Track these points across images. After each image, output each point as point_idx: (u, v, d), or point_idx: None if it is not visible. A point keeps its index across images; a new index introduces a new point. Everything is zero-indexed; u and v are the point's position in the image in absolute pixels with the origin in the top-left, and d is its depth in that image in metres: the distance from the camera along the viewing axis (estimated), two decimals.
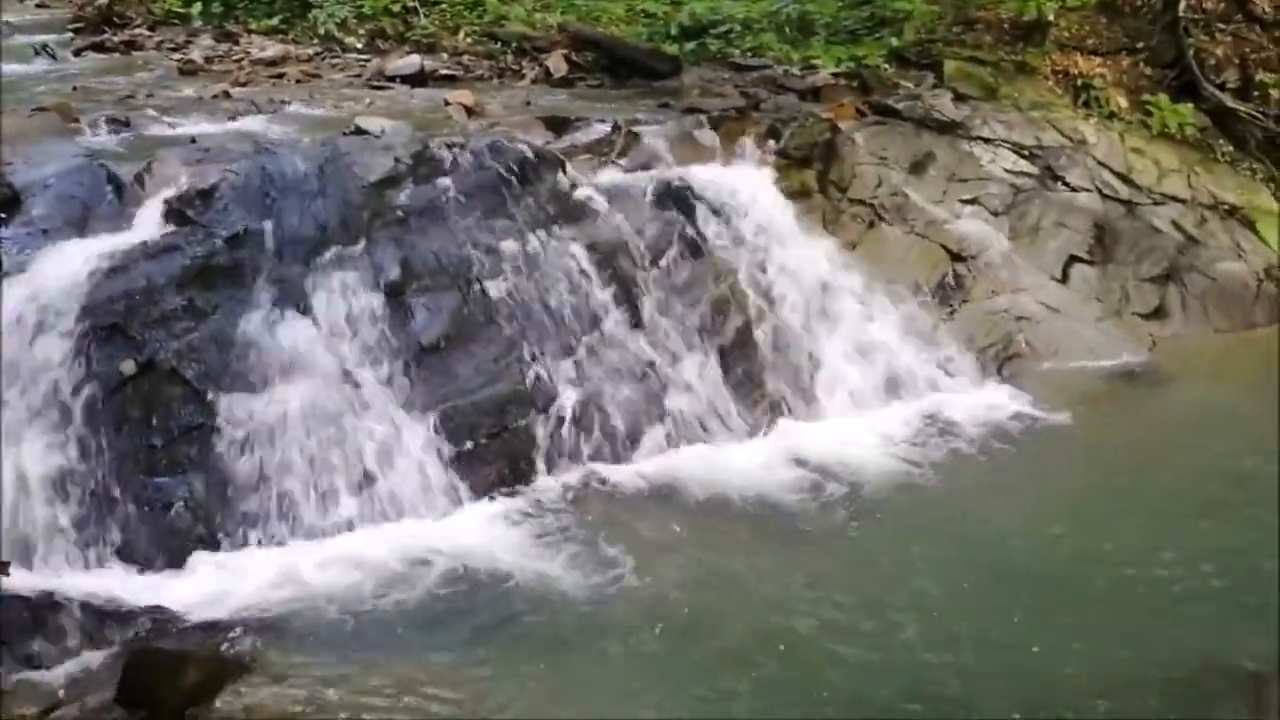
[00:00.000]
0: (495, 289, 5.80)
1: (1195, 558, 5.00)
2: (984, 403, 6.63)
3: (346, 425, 5.24)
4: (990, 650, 4.37)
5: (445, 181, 6.05)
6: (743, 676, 4.23)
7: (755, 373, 6.44)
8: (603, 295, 6.09)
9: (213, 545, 4.88)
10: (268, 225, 5.50)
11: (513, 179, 6.16)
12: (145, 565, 4.78)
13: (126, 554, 4.78)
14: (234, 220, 5.47)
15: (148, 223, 5.46)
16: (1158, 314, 7.66)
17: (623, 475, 5.70)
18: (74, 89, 8.10)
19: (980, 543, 5.20)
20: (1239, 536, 5.18)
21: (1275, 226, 8.19)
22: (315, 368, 5.28)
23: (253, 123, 7.13)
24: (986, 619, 4.57)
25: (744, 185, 6.88)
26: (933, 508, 5.55)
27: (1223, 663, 4.25)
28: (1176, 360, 7.18)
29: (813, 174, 7.32)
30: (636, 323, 6.15)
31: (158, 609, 4.45)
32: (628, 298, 6.19)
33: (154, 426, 4.97)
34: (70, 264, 5.11)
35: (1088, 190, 7.99)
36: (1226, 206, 8.27)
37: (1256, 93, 8.81)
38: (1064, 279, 7.62)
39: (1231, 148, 8.75)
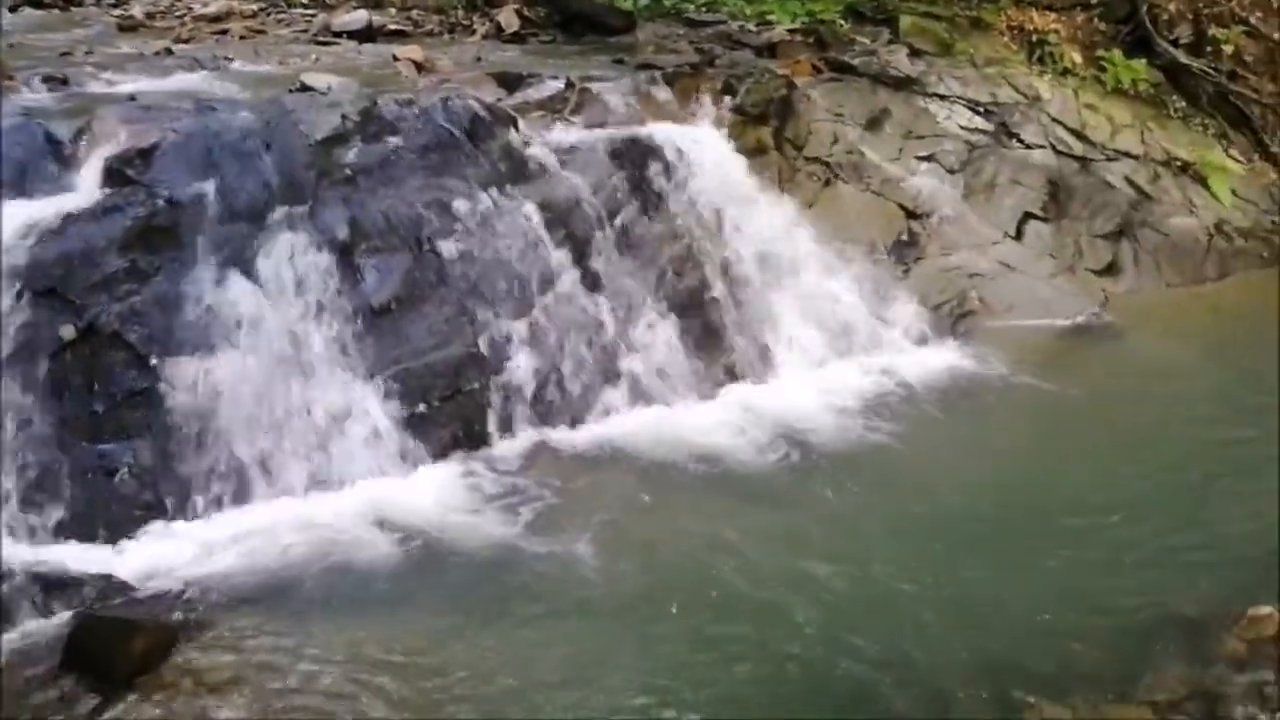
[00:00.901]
0: (447, 249, 5.70)
1: (1143, 507, 5.09)
2: (938, 360, 6.68)
3: (295, 388, 5.15)
4: (942, 599, 4.42)
5: (394, 140, 5.92)
6: (702, 634, 4.24)
7: (712, 332, 6.41)
8: (557, 255, 6.01)
9: (160, 512, 4.79)
10: (211, 185, 5.34)
11: (464, 137, 6.05)
12: (91, 534, 4.66)
13: (71, 523, 4.67)
14: (176, 180, 5.31)
15: (87, 183, 5.30)
16: (1111, 270, 7.73)
17: (579, 437, 5.67)
18: (9, 46, 7.84)
19: (933, 496, 5.24)
20: (1186, 485, 5.27)
21: (1226, 182, 8.28)
22: (262, 330, 5.16)
23: (195, 80, 6.94)
24: (939, 570, 4.61)
25: (699, 143, 6.81)
26: (888, 463, 5.58)
27: (1168, 607, 4.32)
28: (1128, 315, 7.25)
29: (769, 131, 7.27)
30: (591, 283, 6.09)
31: (104, 577, 4.36)
32: (582, 258, 6.11)
33: (96, 392, 4.85)
34: (7, 226, 4.95)
35: (1042, 147, 8.02)
36: (1179, 162, 8.34)
37: (1209, 48, 8.87)
38: (1018, 236, 7.65)
39: (1184, 103, 8.82)
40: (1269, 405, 6.04)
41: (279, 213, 5.43)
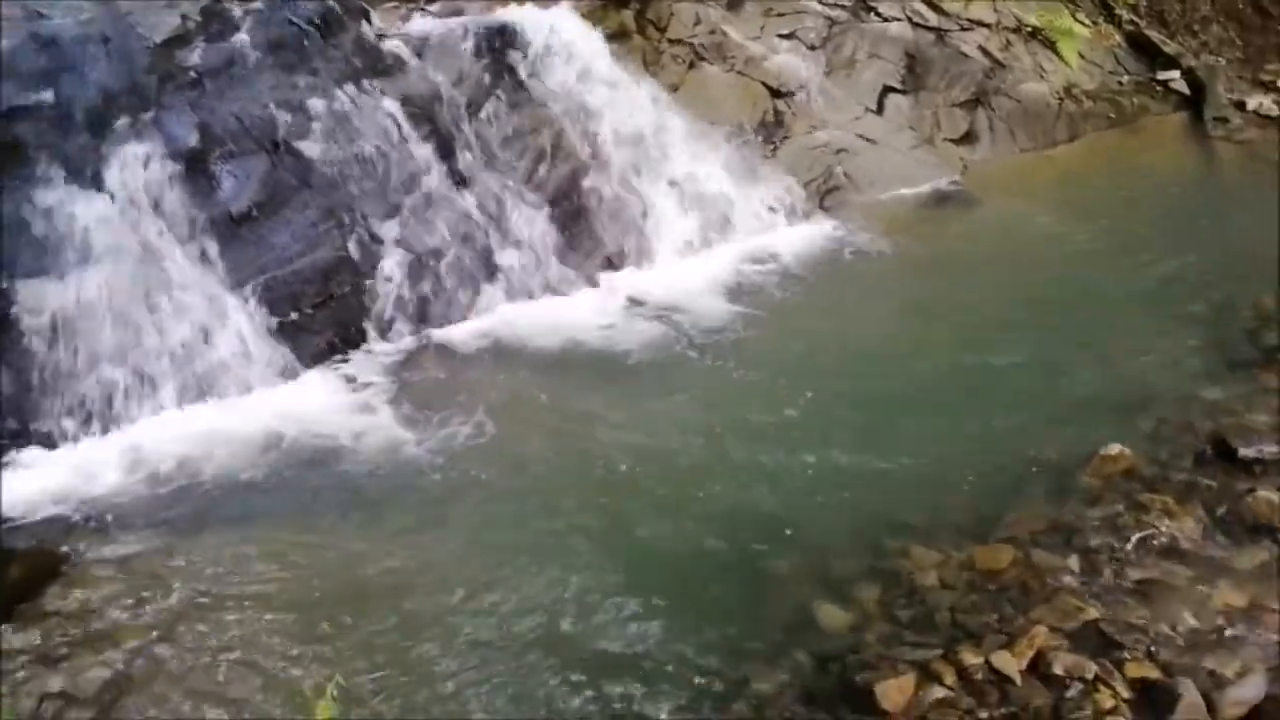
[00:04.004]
0: (306, 150, 5.53)
1: (1005, 362, 5.36)
2: (809, 235, 6.82)
3: (159, 304, 4.99)
4: (820, 465, 4.61)
5: (240, 37, 5.65)
6: (591, 514, 4.35)
7: (587, 223, 6.41)
8: (422, 151, 5.89)
9: (28, 440, 4.64)
10: (47, 96, 5.05)
11: (314, 31, 5.81)
12: None
13: None
14: (9, 94, 5.00)
15: None
16: (968, 138, 7.94)
17: (459, 334, 5.66)
18: None
19: (809, 367, 5.42)
20: (1044, 340, 5.55)
21: (1074, 46, 8.51)
22: (117, 247, 4.96)
23: None
24: (815, 437, 4.80)
25: (560, 29, 6.68)
26: (764, 340, 5.72)
27: (1031, 455, 4.59)
28: (986, 181, 7.49)
29: (630, 14, 7.18)
30: (460, 179, 6.00)
31: None
32: (449, 153, 6.01)
33: None
34: None
35: (899, 20, 8.10)
36: (1029, 29, 8.53)
37: None
38: (879, 109, 7.78)
39: None
40: (1117, 261, 6.38)
41: (122, 122, 5.17)
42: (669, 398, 5.19)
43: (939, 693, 3.39)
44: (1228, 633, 3.58)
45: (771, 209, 7.01)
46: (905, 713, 3.34)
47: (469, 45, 6.35)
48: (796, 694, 3.50)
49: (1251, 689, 3.33)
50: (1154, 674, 3.39)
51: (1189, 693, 3.30)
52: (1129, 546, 3.96)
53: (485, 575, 4.00)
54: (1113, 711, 3.28)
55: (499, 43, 6.44)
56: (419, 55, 6.19)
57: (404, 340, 5.55)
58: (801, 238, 6.78)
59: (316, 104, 5.67)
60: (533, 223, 6.18)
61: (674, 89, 7.11)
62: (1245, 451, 4.41)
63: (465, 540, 4.22)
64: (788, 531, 4.20)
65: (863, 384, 5.25)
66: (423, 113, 5.97)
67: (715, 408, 5.07)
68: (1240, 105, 8.51)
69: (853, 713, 3.38)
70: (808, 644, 3.68)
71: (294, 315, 5.29)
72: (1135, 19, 9.00)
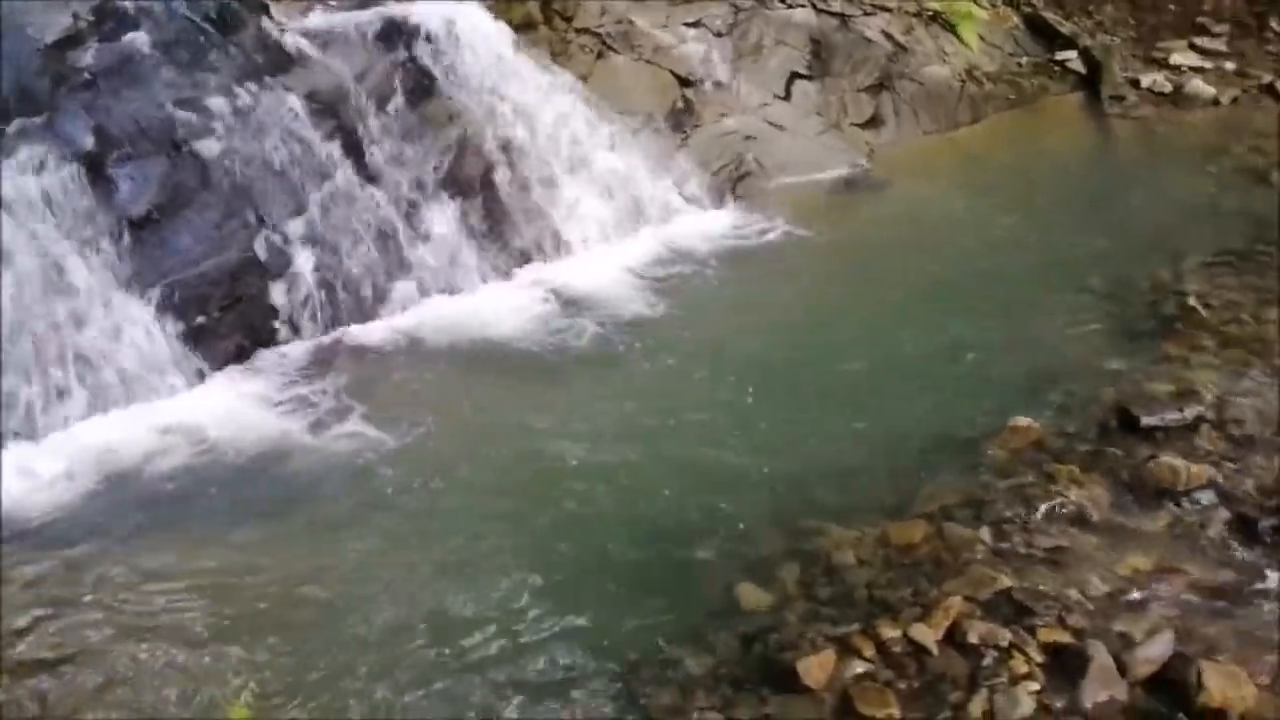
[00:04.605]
0: (207, 150, 5.41)
1: (916, 341, 5.47)
2: (721, 223, 6.88)
3: (60, 313, 4.84)
4: (739, 450, 4.66)
5: (136, 35, 5.53)
6: (509, 511, 4.34)
7: (500, 215, 6.38)
8: (328, 148, 5.80)
9: None
10: None
11: (211, 28, 5.70)
12: None
13: None
14: None
15: None
16: (873, 122, 8.05)
17: (373, 333, 5.60)
18: None
19: (725, 352, 5.47)
20: (953, 319, 5.66)
21: (974, 28, 8.69)
22: (13, 255, 4.81)
23: None
24: (735, 422, 4.86)
25: (464, 21, 6.62)
26: (681, 328, 5.75)
27: (943, 431, 4.70)
28: (892, 165, 7.61)
29: (536, 5, 7.14)
30: (368, 174, 5.92)
31: None
32: (356, 148, 5.92)
33: None
34: None
35: (803, 6, 8.18)
36: (930, 13, 8.67)
37: None
38: (787, 96, 7.85)
39: None
40: (1021, 240, 6.54)
41: (15, 126, 5.02)
42: (588, 390, 5.19)
43: (859, 667, 3.45)
44: (1135, 595, 3.70)
45: (685, 197, 7.05)
46: (827, 688, 3.40)
47: (373, 39, 6.26)
48: (722, 675, 3.54)
49: (1159, 648, 3.45)
50: (1066, 638, 3.49)
51: (1100, 655, 3.40)
52: (1038, 516, 4.08)
53: (404, 577, 3.97)
54: (1027, 677, 3.37)
55: (404, 36, 6.36)
56: (322, 50, 6.09)
57: (316, 340, 5.47)
58: (715, 225, 6.83)
59: (217, 102, 5.55)
60: (444, 217, 6.13)
61: (583, 79, 7.10)
62: (1147, 420, 4.56)
63: (382, 541, 4.18)
64: (710, 518, 4.24)
65: (779, 369, 5.31)
66: (327, 108, 5.88)
67: (635, 399, 5.09)
68: (1135, 83, 8.77)
69: (776, 691, 3.42)
70: (732, 626, 3.73)
71: (201, 319, 5.18)
72: (1033, 1, 9.21)
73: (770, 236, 6.69)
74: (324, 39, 6.12)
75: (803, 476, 4.49)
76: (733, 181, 7.26)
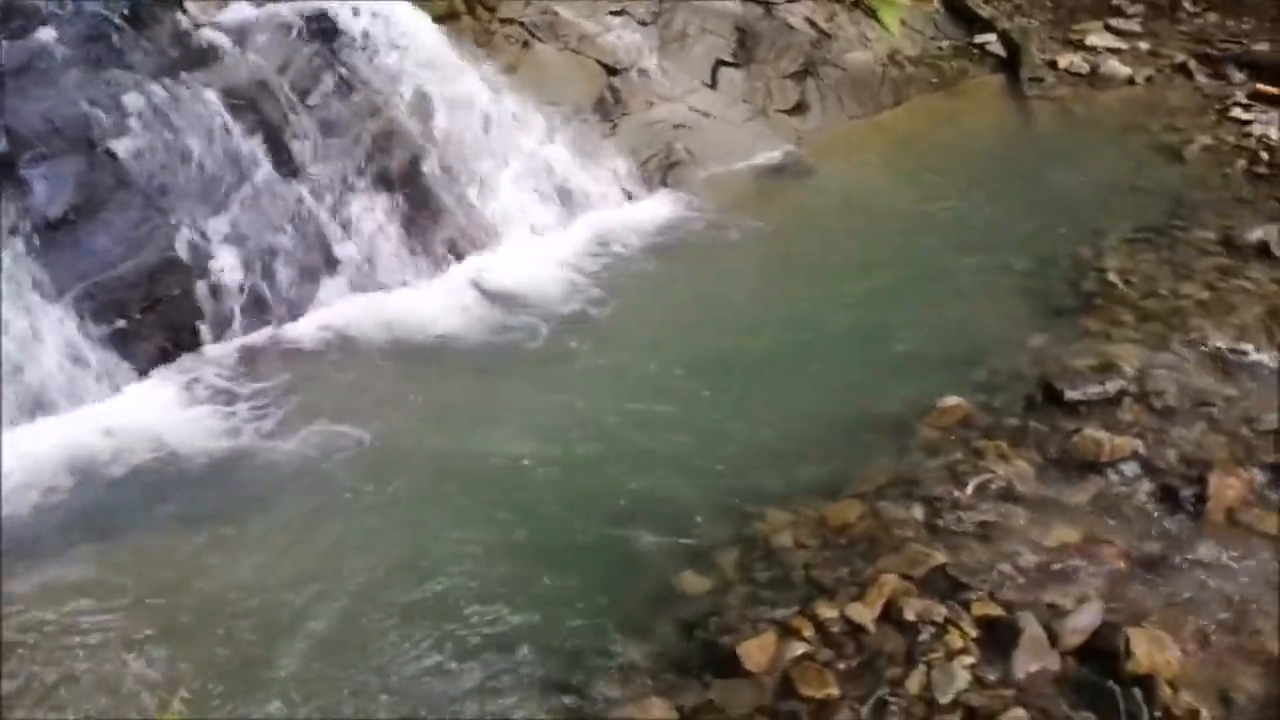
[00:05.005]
0: (124, 149, 5.27)
1: (847, 324, 5.55)
2: (652, 212, 6.87)
3: None
4: (676, 439, 4.69)
5: (45, 32, 5.38)
6: (447, 508, 4.32)
7: (429, 209, 6.30)
8: (249, 143, 5.68)
9: None
10: None
11: (124, 23, 5.55)
12: None
13: None
14: None
15: None
16: (799, 109, 8.10)
17: (301, 331, 5.51)
18: None
19: (658, 342, 5.49)
20: (882, 301, 5.75)
21: (894, 13, 8.78)
22: None
23: None
24: (670, 412, 4.87)
25: (389, 12, 6.52)
26: (614, 319, 5.74)
27: (874, 412, 4.77)
28: (818, 150, 7.66)
29: None
30: (291, 169, 5.82)
31: None
32: (278, 143, 5.81)
33: None
34: None
35: None
36: None
37: None
38: (713, 84, 7.87)
39: None
40: (945, 221, 6.64)
41: None
42: (523, 384, 5.17)
43: (799, 648, 3.50)
44: (1064, 566, 3.79)
45: (615, 187, 7.03)
46: (768, 670, 3.44)
47: (292, 32, 6.15)
48: (664, 662, 3.56)
49: (1088, 617, 3.54)
50: (998, 611, 3.57)
51: (1031, 626, 3.48)
52: (968, 492, 4.15)
53: (341, 577, 3.93)
54: (962, 651, 3.44)
55: (324, 28, 6.26)
56: (240, 44, 5.97)
57: (242, 341, 5.36)
58: (645, 215, 6.83)
59: (132, 100, 5.41)
60: (372, 212, 6.05)
61: (510, 70, 7.05)
62: (1071, 394, 4.67)
63: (318, 542, 4.13)
64: (650, 507, 4.26)
65: (713, 356, 5.34)
66: (247, 103, 5.75)
67: (572, 391, 5.07)
68: (1052, 64, 8.93)
69: (718, 675, 3.45)
70: (673, 613, 3.76)
71: (122, 322, 5.05)
72: None
73: (701, 225, 6.71)
74: (242, 33, 6.00)
75: (740, 462, 4.53)
76: (662, 170, 7.26)
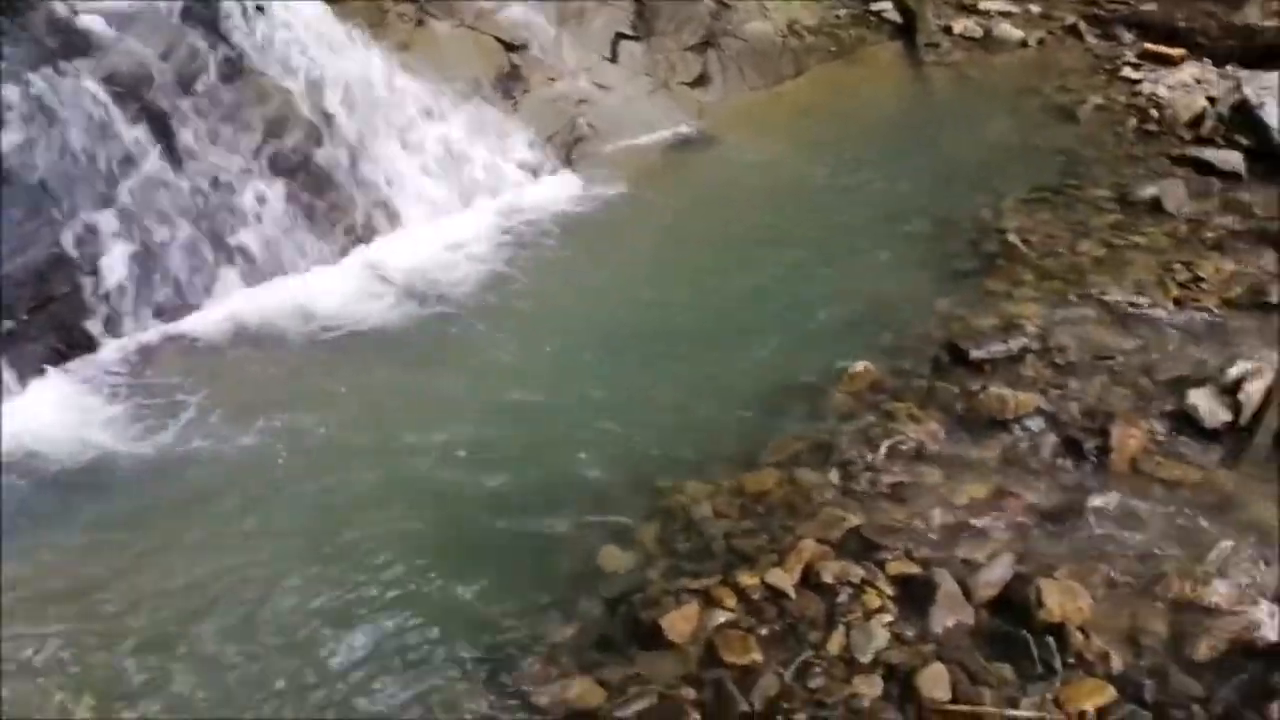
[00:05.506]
0: (3, 143, 5.02)
1: (756, 293, 5.57)
2: (558, 189, 6.81)
3: None
4: (593, 414, 4.67)
5: None
6: (364, 502, 4.23)
7: (327, 194, 6.15)
8: (134, 133, 5.46)
9: None
10: None
11: None
12: None
13: None
14: None
15: None
16: (701, 81, 8.09)
17: (199, 324, 5.35)
18: None
19: (570, 320, 5.46)
20: (789, 269, 5.79)
21: None
22: None
23: None
24: (586, 388, 4.85)
25: None
26: (523, 298, 5.69)
27: (788, 380, 4.81)
28: (721, 122, 7.67)
29: None
30: (180, 159, 5.62)
31: None
32: (165, 132, 5.61)
33: None
34: None
35: None
36: None
37: None
38: (614, 58, 7.81)
39: None
40: (848, 187, 6.70)
41: None
42: (433, 371, 5.09)
43: (721, 616, 3.52)
44: (975, 522, 3.87)
45: (519, 165, 6.95)
46: (691, 640, 3.46)
47: (175, 16, 5.93)
48: (588, 639, 3.55)
49: (1000, 570, 3.63)
50: (913, 569, 3.64)
51: (945, 582, 3.56)
52: (881, 454, 4.22)
53: (253, 574, 3.84)
54: (880, 610, 3.50)
55: (209, 11, 6.04)
56: (121, 30, 5.73)
57: (137, 338, 5.19)
58: (551, 192, 6.76)
59: (8, 91, 5.16)
60: (267, 199, 5.87)
61: (404, 48, 6.90)
62: (976, 353, 4.77)
63: (225, 539, 4.03)
64: (570, 486, 4.24)
65: (625, 332, 5.32)
66: (131, 91, 5.53)
67: (485, 375, 5.01)
68: (948, 30, 9.06)
69: (643, 649, 3.47)
70: (596, 590, 3.75)
71: (9, 323, 4.83)
72: None
73: (608, 200, 6.67)
74: (122, 19, 5.76)
75: (658, 436, 4.52)
76: (567, 146, 7.20)
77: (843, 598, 3.54)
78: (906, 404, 4.50)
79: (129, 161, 5.41)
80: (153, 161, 5.49)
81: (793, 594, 3.57)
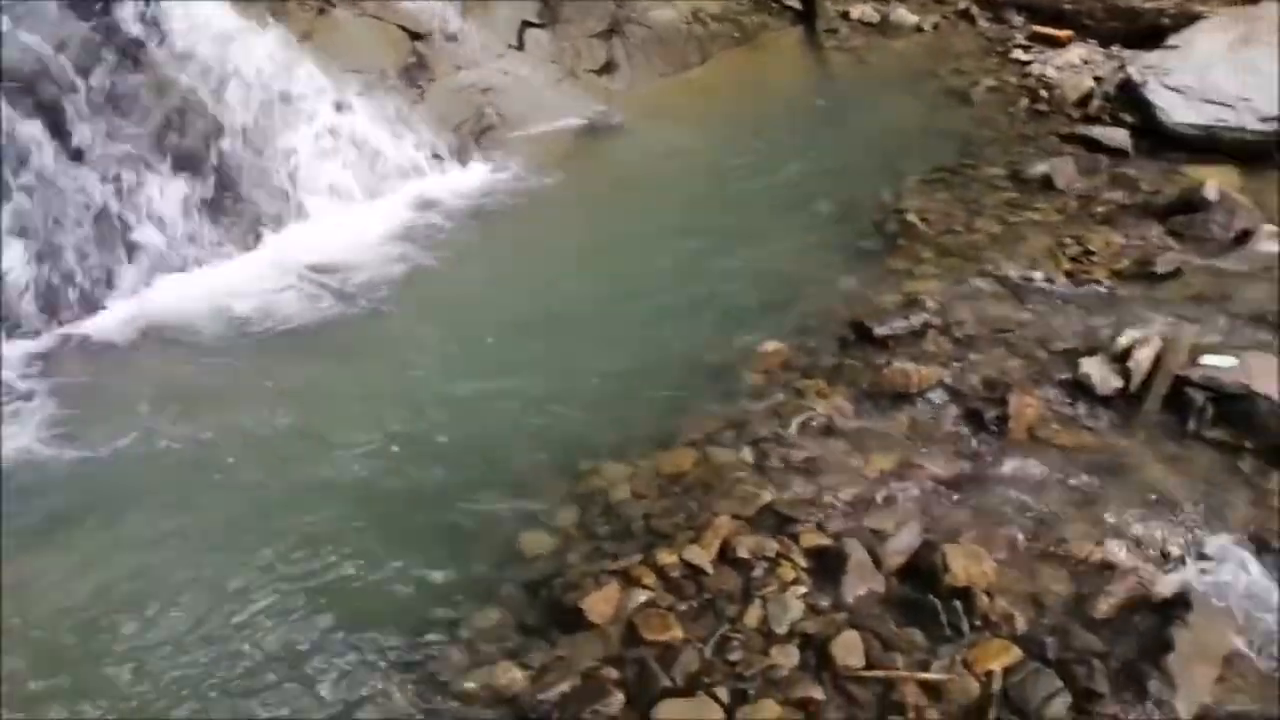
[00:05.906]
0: None
1: (666, 277, 5.64)
2: (468, 179, 6.80)
3: None
4: (506, 400, 4.70)
5: None
6: (281, 494, 4.21)
7: (231, 187, 6.06)
8: (27, 128, 5.32)
9: None
10: None
11: None
12: None
13: None
14: None
15: None
16: (608, 68, 8.12)
17: (102, 325, 5.25)
18: None
19: (482, 308, 5.47)
20: (697, 252, 5.85)
21: None
22: None
23: None
24: (499, 375, 4.87)
25: None
26: (434, 288, 5.68)
27: (701, 361, 4.89)
28: (629, 109, 7.70)
29: None
30: (77, 154, 5.48)
31: None
32: (60, 127, 5.46)
33: None
34: None
35: None
36: None
37: None
38: (520, 46, 7.80)
39: None
40: (753, 171, 6.81)
41: None
42: (347, 362, 5.06)
43: (641, 596, 3.58)
44: (883, 493, 3.99)
45: (427, 155, 6.91)
46: (613, 621, 3.51)
47: (69, 7, 5.76)
48: (510, 625, 3.59)
49: (907, 538, 3.75)
50: (825, 541, 3.74)
51: (856, 552, 3.67)
52: (792, 431, 4.32)
53: (173, 570, 3.81)
54: (794, 582, 3.60)
55: (104, 3, 5.89)
56: (11, 22, 5.55)
57: (38, 340, 5.06)
58: (461, 182, 6.74)
59: None
60: (169, 192, 5.77)
61: (306, 37, 6.80)
62: (880, 330, 4.90)
63: (146, 539, 3.98)
64: (488, 473, 4.26)
65: (538, 318, 5.34)
66: (22, 86, 5.38)
67: (398, 365, 5.00)
68: (845, 15, 9.22)
69: (565, 632, 3.51)
70: (517, 576, 3.78)
71: None
72: None
73: (517, 188, 6.67)
74: (11, 10, 5.58)
75: (574, 420, 4.57)
76: (475, 135, 7.18)
77: (758, 572, 3.63)
78: (815, 381, 4.61)
79: (23, 158, 5.27)
80: (48, 157, 5.35)
81: (710, 570, 3.65)
